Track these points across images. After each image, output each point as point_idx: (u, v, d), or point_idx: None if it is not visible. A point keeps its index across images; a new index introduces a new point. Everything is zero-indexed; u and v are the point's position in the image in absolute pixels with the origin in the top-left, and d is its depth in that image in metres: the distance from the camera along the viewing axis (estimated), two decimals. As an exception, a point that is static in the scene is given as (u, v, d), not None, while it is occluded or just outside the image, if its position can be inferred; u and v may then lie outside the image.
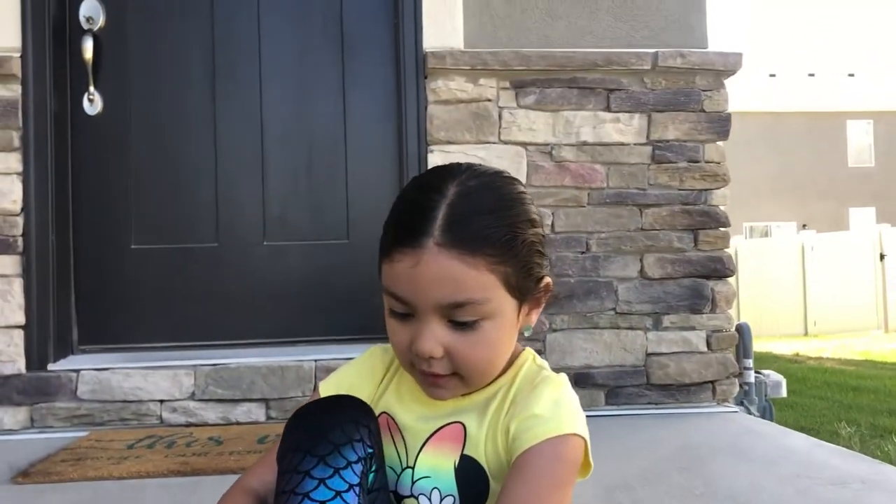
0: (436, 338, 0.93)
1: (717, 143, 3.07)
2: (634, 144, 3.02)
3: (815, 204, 16.94)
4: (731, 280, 3.07)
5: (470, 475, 0.98)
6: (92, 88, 3.03)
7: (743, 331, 3.36)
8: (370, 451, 0.93)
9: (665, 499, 1.98)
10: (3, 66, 2.79)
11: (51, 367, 2.85)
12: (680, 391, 3.01)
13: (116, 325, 3.05)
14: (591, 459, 0.99)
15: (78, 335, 3.03)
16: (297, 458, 0.89)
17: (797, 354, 9.85)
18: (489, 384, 1.03)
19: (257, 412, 2.86)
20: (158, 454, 2.45)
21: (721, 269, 3.04)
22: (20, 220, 2.82)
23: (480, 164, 1.03)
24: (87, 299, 3.05)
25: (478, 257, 0.91)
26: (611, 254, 3.01)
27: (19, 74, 2.83)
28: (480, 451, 0.99)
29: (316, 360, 2.90)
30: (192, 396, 2.84)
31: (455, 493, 0.98)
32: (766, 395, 3.49)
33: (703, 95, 3.07)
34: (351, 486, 0.88)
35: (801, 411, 5.98)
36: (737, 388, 3.10)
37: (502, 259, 0.93)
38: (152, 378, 2.83)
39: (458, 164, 1.01)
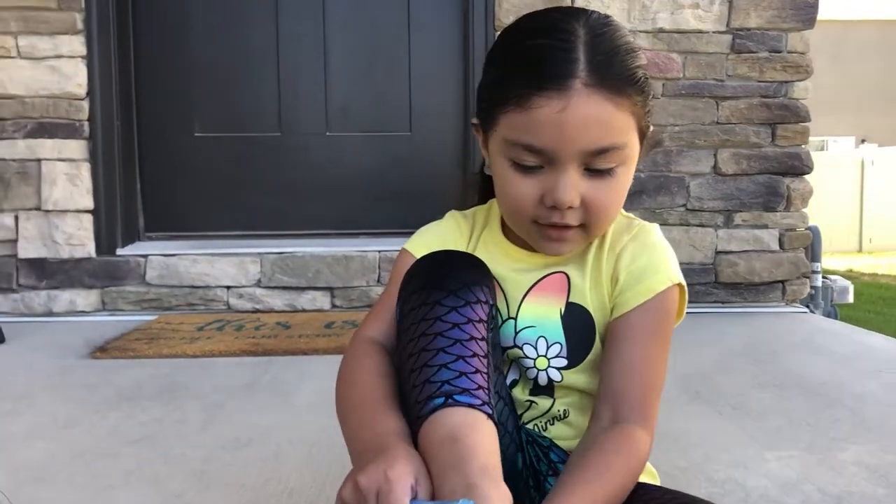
0: (575, 187, 0.88)
1: (802, 32, 2.90)
2: (713, 32, 2.87)
3: (876, 118, 16.27)
4: (808, 177, 2.95)
5: (577, 322, 0.95)
6: (152, -30, 2.96)
7: (814, 233, 3.26)
8: (493, 304, 0.89)
9: (742, 387, 1.95)
10: (63, -55, 2.73)
11: (119, 251, 2.88)
12: (748, 290, 2.95)
13: (181, 213, 3.06)
14: (686, 304, 0.97)
15: (144, 221, 3.05)
16: (424, 293, 0.85)
17: (850, 270, 9.63)
18: None
19: (322, 300, 2.87)
20: (228, 336, 2.49)
21: (799, 166, 2.92)
22: (86, 105, 2.81)
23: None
24: (152, 186, 3.05)
25: (624, 97, 0.86)
26: (684, 148, 2.90)
27: (80, -47, 2.76)
28: (587, 299, 0.96)
29: (380, 251, 2.88)
30: (259, 283, 2.86)
31: (562, 340, 0.95)
32: (831, 301, 3.41)
33: (790, -20, 2.88)
34: (481, 320, 0.84)
35: (856, 325, 5.87)
36: (807, 289, 3.02)
37: (640, 100, 0.89)
38: (219, 265, 2.85)
39: (569, 7, 0.95)
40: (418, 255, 0.99)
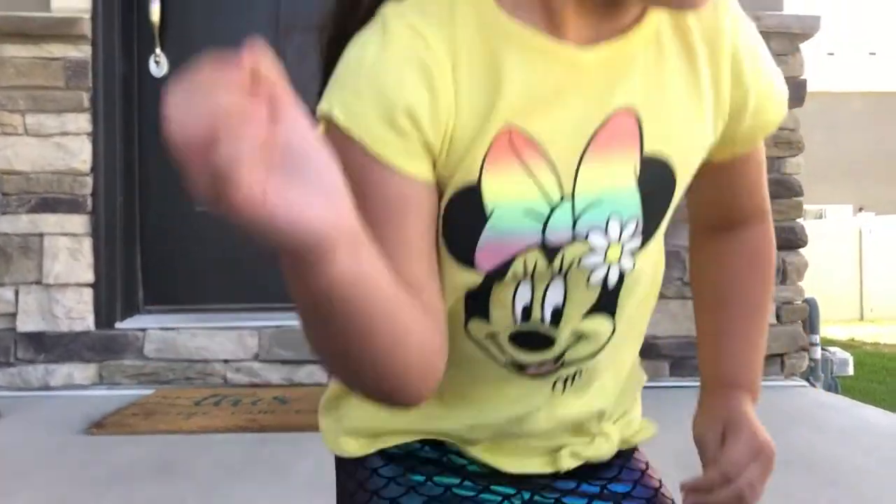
0: None
1: (792, 109, 2.97)
2: (705, 110, 2.94)
3: (873, 187, 16.45)
4: (803, 251, 2.98)
5: (654, 182, 0.65)
6: (158, 50, 3.04)
7: (811, 305, 3.27)
8: None
9: (742, 465, 1.93)
10: (73, 27, 2.82)
11: (118, 325, 2.89)
12: (747, 364, 2.94)
13: (181, 287, 3.08)
14: None
15: (144, 295, 3.07)
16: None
17: (852, 339, 9.59)
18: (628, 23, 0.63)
19: (320, 374, 2.86)
20: (225, 411, 2.48)
21: (794, 240, 2.95)
22: (89, 181, 2.86)
23: None
24: (153, 259, 3.09)
25: None
26: (679, 222, 2.93)
27: (89, 35, 2.85)
28: (670, 142, 0.65)
29: (378, 324, 2.89)
30: (256, 357, 2.86)
31: (640, 213, 0.65)
32: (832, 373, 3.40)
33: (778, 60, 2.92)
34: None
35: (860, 395, 5.80)
36: (805, 362, 3.01)
37: None
38: (217, 338, 2.86)
39: None
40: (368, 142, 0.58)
